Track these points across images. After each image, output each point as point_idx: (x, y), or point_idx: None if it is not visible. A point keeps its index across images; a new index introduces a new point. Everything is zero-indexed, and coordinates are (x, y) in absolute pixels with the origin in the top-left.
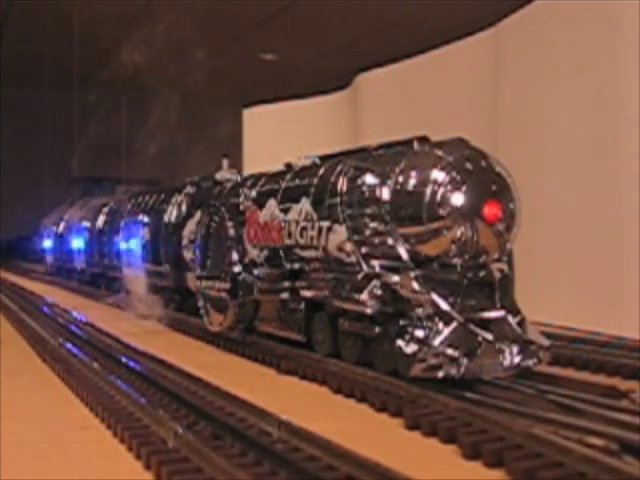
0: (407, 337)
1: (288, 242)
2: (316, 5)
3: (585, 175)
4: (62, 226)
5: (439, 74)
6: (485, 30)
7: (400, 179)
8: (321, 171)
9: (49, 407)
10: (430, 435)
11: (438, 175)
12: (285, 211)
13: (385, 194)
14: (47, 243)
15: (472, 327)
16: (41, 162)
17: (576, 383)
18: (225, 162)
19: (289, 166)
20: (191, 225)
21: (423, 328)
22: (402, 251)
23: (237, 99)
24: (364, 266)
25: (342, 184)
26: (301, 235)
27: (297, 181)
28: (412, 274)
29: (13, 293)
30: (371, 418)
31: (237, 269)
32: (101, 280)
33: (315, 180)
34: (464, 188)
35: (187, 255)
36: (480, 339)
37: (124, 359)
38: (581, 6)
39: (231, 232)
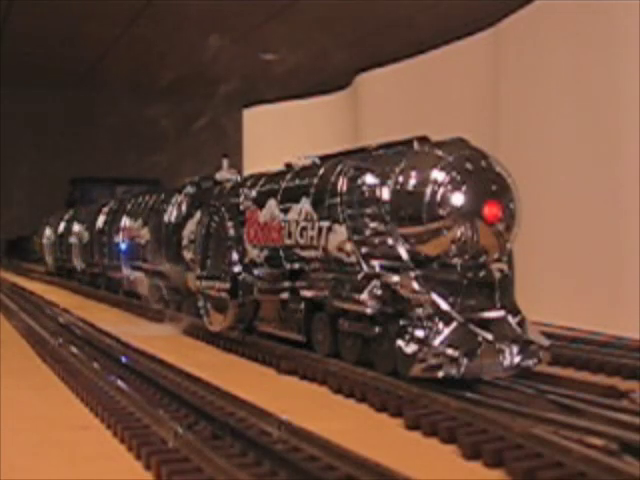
0: (407, 337)
1: (288, 242)
2: (316, 5)
3: (585, 175)
4: (62, 226)
5: (439, 74)
6: (485, 30)
7: (400, 179)
8: (321, 171)
9: (49, 407)
10: (430, 435)
11: (438, 175)
12: (285, 211)
13: (385, 194)
14: (47, 243)
15: (472, 327)
16: (41, 162)
17: (576, 383)
18: (225, 162)
19: (289, 166)
20: (191, 225)
21: (423, 328)
22: (402, 251)
23: (237, 99)
24: (364, 266)
25: (342, 184)
26: (301, 235)
27: (297, 181)
28: (412, 274)
29: (13, 293)
30: (371, 418)
31: (237, 269)
32: (101, 280)
33: (315, 180)
34: (464, 188)
35: (187, 255)
36: (480, 339)
37: (124, 359)
38: (581, 6)
39: (231, 232)
